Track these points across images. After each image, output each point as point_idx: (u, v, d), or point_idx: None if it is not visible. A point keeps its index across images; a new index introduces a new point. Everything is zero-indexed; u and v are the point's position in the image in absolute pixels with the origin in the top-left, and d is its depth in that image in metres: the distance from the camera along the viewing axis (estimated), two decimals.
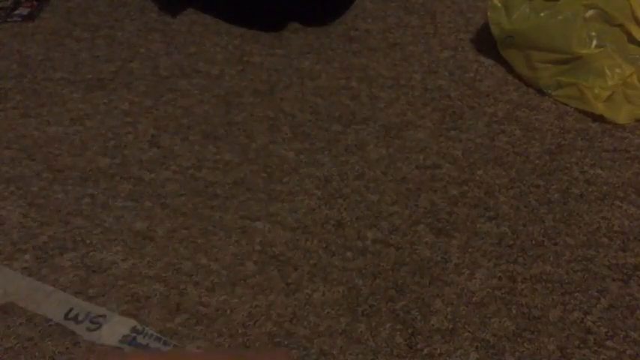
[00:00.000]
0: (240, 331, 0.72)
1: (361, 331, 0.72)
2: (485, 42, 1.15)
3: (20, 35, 1.24)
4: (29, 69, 1.14)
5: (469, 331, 0.72)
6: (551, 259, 0.80)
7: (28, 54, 1.18)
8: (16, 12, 1.31)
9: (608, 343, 0.72)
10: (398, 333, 0.71)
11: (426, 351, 0.70)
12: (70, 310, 0.73)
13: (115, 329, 0.71)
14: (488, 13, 1.12)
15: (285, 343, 0.71)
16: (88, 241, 0.82)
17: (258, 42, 1.21)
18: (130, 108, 1.05)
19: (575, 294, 0.77)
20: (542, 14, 1.06)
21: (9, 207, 0.87)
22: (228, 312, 0.74)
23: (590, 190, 0.90)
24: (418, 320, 0.73)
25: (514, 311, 0.74)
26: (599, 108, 1.02)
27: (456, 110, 1.04)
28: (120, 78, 1.11)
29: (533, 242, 0.82)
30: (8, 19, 1.29)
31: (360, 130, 1.01)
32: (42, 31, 1.25)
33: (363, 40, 1.22)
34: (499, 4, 1.11)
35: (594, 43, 1.04)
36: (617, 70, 1.02)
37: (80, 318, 0.72)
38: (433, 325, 0.72)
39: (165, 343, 0.70)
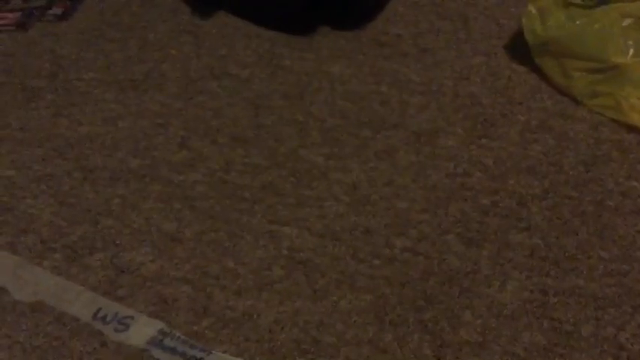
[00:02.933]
0: (266, 336, 0.72)
1: (388, 341, 0.71)
2: (519, 49, 1.13)
3: (53, 34, 1.26)
4: (62, 68, 1.16)
5: (499, 345, 0.70)
6: (585, 272, 0.79)
7: (61, 53, 1.20)
8: (50, 11, 1.33)
9: None
10: (426, 344, 0.70)
11: None
12: (99, 310, 0.74)
13: (142, 331, 0.72)
14: (523, 20, 1.10)
15: (312, 350, 0.70)
16: (117, 242, 0.82)
17: (288, 45, 1.21)
18: (160, 109, 1.05)
19: (609, 309, 0.75)
20: (578, 22, 1.04)
21: (40, 205, 0.88)
22: (255, 317, 0.74)
23: (625, 202, 0.88)
24: (447, 332, 0.72)
25: (545, 325, 0.73)
26: (635, 119, 1.00)
27: (488, 118, 1.03)
28: (151, 79, 1.12)
29: (566, 255, 0.81)
30: (42, 18, 1.31)
31: (389, 136, 1.00)
32: (75, 30, 1.27)
33: (394, 45, 1.21)
34: (534, 11, 1.09)
35: (631, 52, 1.01)
36: None
37: (108, 318, 0.73)
38: (462, 337, 0.71)
39: (192, 347, 0.70)
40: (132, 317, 0.73)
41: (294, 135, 1.00)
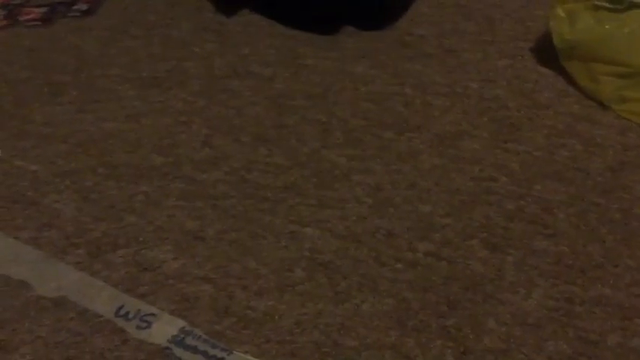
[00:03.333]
0: (287, 338, 0.71)
1: (410, 347, 0.70)
2: (546, 52, 1.12)
3: (78, 30, 1.26)
4: (86, 64, 1.16)
5: (523, 353, 0.69)
6: (611, 281, 0.77)
7: (85, 49, 1.20)
8: (75, 7, 1.34)
9: None
10: (449, 351, 0.70)
11: None
12: (121, 306, 0.74)
13: (164, 329, 0.72)
14: (551, 22, 1.08)
15: (332, 353, 0.70)
16: (140, 239, 0.82)
17: (311, 45, 1.20)
18: (183, 107, 1.05)
19: (636, 320, 0.73)
20: (607, 26, 1.03)
21: (64, 201, 0.88)
22: (276, 318, 0.73)
23: None
24: (470, 338, 0.71)
25: (571, 335, 0.71)
26: None
27: (514, 121, 1.01)
28: (174, 77, 1.12)
29: (593, 263, 0.79)
30: (67, 14, 1.32)
31: (413, 138, 0.99)
32: (100, 26, 1.27)
33: (418, 46, 1.20)
34: (562, 14, 1.07)
35: None
36: None
37: (130, 315, 0.73)
38: (486, 344, 0.70)
39: (213, 346, 0.70)
40: (154, 315, 0.73)
41: (317, 135, 1.00)
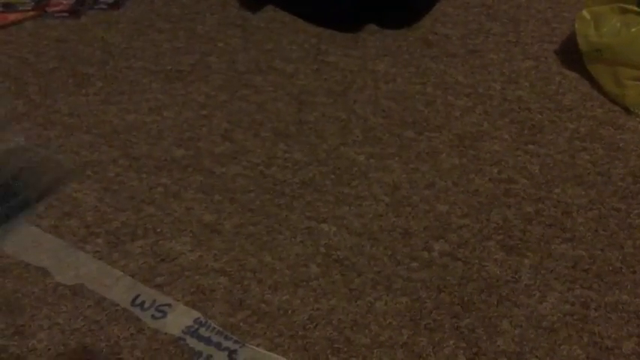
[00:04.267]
0: (300, 332, 0.72)
1: (423, 346, 0.70)
2: (571, 54, 1.11)
3: (105, 23, 1.28)
4: (112, 56, 1.18)
5: (537, 357, 0.69)
6: (629, 287, 0.76)
7: (111, 42, 1.22)
8: (103, 0, 1.35)
9: None
10: (461, 351, 0.69)
11: None
12: (137, 296, 0.75)
13: (179, 319, 0.72)
14: (576, 25, 1.07)
15: (344, 350, 0.70)
16: (158, 230, 0.83)
17: (334, 42, 1.21)
18: (205, 101, 1.06)
19: None
20: (633, 29, 1.01)
21: (85, 190, 0.90)
22: (290, 312, 0.74)
23: None
24: (483, 340, 0.70)
25: (585, 340, 0.71)
26: None
27: (536, 123, 1.00)
28: (198, 71, 1.13)
29: (610, 268, 0.78)
30: (94, 6, 1.34)
31: (433, 137, 0.99)
32: (126, 19, 1.29)
33: (442, 46, 1.19)
34: (588, 16, 1.06)
35: None
36: None
37: (146, 305, 0.74)
38: (499, 346, 0.70)
39: (226, 338, 0.70)
40: (169, 305, 0.74)
41: (337, 132, 1.00)
